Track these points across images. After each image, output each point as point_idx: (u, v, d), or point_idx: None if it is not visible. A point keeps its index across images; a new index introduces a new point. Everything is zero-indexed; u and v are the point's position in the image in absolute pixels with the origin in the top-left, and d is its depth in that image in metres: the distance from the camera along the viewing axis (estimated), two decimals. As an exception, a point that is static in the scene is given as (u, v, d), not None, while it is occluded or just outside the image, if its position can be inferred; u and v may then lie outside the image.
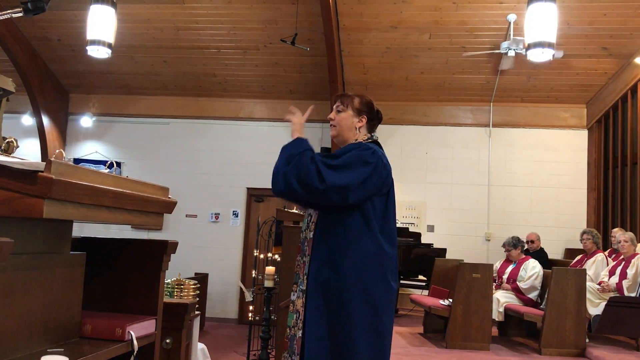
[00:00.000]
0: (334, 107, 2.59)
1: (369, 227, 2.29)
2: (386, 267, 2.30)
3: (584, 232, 6.73)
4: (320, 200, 2.25)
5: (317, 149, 9.07)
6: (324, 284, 2.28)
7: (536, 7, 5.91)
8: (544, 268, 6.65)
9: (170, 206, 2.00)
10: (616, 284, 5.85)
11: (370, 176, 2.28)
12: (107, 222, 1.68)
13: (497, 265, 6.69)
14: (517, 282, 6.30)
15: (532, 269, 6.29)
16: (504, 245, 6.68)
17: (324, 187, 2.20)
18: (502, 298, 6.23)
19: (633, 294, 5.67)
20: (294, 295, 2.43)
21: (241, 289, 6.91)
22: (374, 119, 2.55)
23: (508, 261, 6.62)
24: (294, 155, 2.33)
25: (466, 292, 5.66)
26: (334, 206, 2.27)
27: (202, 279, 7.96)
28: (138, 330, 1.86)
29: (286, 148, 2.40)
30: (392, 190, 2.42)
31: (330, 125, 2.58)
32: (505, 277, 6.53)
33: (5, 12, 1.82)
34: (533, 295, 6.20)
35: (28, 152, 8.99)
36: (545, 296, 5.81)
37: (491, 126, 8.73)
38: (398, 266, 2.54)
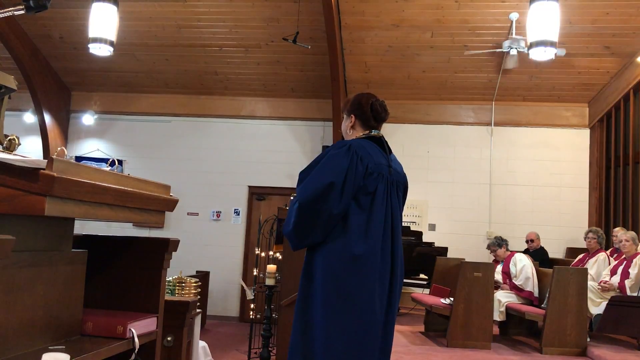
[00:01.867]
0: None
1: (348, 228, 2.29)
2: (364, 268, 2.28)
3: (589, 231, 6.71)
4: (304, 224, 2.27)
5: (318, 147, 9.09)
6: (305, 280, 2.34)
7: (538, 5, 5.90)
8: (544, 267, 6.65)
9: (171, 204, 2.00)
10: (618, 283, 5.84)
11: (346, 177, 2.28)
12: (108, 219, 1.68)
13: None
14: (513, 281, 6.31)
15: (520, 262, 6.33)
16: (488, 247, 6.73)
17: (297, 204, 2.27)
18: (503, 298, 6.23)
19: (635, 294, 5.67)
20: None
21: (242, 287, 6.91)
22: (364, 114, 2.50)
23: (495, 262, 6.65)
24: (290, 203, 2.44)
25: (467, 291, 5.66)
26: (325, 223, 2.27)
27: (203, 277, 7.97)
28: (139, 328, 1.86)
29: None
30: (381, 187, 2.38)
31: None
32: (499, 277, 6.53)
33: (7, 9, 1.82)
34: (530, 286, 6.20)
35: (30, 150, 8.99)
36: (547, 295, 5.81)
37: (493, 125, 8.72)
38: (399, 265, 2.51)
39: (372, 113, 2.51)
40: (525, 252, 7.47)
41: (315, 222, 2.25)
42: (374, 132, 2.52)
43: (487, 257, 8.28)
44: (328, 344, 2.22)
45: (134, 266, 2.03)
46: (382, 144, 2.51)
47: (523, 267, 6.26)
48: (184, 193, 8.56)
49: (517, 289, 6.26)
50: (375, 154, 2.42)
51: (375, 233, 2.32)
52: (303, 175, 2.40)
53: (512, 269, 6.35)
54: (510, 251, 6.66)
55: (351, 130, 2.54)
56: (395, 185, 2.48)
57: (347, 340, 2.23)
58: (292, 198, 2.45)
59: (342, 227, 2.29)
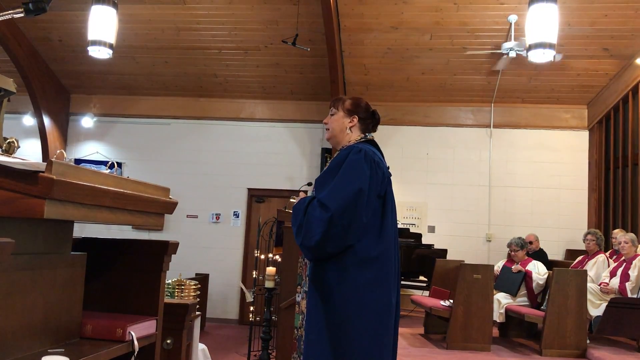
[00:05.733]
0: (329, 111, 2.61)
1: (364, 230, 2.27)
2: (380, 269, 2.27)
3: (588, 233, 6.71)
4: (337, 233, 2.19)
5: (317, 150, 9.09)
6: (318, 283, 2.29)
7: (537, 7, 5.91)
8: (543, 269, 6.65)
9: (171, 207, 2.00)
10: (619, 286, 5.84)
11: (370, 183, 2.27)
12: (108, 222, 1.68)
13: (498, 265, 6.67)
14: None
15: (541, 267, 6.31)
16: (509, 245, 6.61)
17: (329, 213, 2.18)
18: (503, 299, 6.23)
19: (635, 296, 5.67)
20: (298, 296, 2.44)
21: (242, 289, 6.90)
22: (366, 119, 2.54)
23: (511, 262, 6.57)
24: (298, 210, 2.30)
25: (467, 293, 5.66)
26: (356, 230, 2.22)
27: (202, 280, 7.96)
28: (139, 331, 1.86)
29: (294, 210, 2.38)
30: (389, 190, 2.40)
31: (326, 129, 2.61)
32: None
33: (7, 12, 1.82)
34: (540, 296, 6.24)
35: (29, 153, 8.99)
36: (546, 297, 5.81)
37: (492, 127, 8.72)
38: (400, 267, 2.52)
39: (372, 121, 2.56)
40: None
41: (349, 230, 2.20)
42: (369, 136, 2.55)
43: (486, 259, 8.29)
44: (358, 353, 2.20)
45: (133, 269, 2.03)
46: (379, 147, 2.54)
47: (545, 273, 6.22)
48: (183, 195, 8.55)
49: (531, 292, 6.25)
50: (380, 158, 2.45)
51: (388, 235, 2.33)
52: (320, 181, 2.37)
53: (534, 276, 6.32)
54: (527, 256, 6.61)
55: (350, 130, 2.53)
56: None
57: (374, 347, 2.22)
58: (292, 200, 2.40)
59: (362, 232, 2.27)
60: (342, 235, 2.20)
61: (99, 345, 1.73)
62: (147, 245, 2.07)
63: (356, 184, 2.24)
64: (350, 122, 2.52)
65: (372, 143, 2.52)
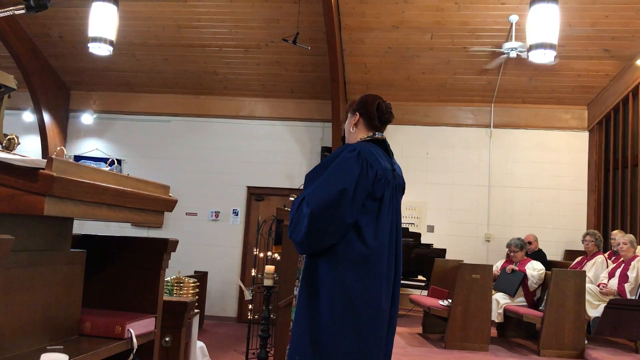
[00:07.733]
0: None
1: (355, 232, 2.24)
2: (370, 270, 2.25)
3: (587, 234, 6.71)
4: (318, 231, 2.19)
5: (317, 148, 9.09)
6: (308, 278, 2.29)
7: (538, 8, 5.91)
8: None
9: (170, 204, 2.00)
10: (617, 287, 5.84)
11: (357, 184, 2.24)
12: (107, 219, 1.68)
13: (497, 265, 6.68)
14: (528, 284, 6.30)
15: (537, 263, 6.30)
16: (509, 246, 6.62)
17: (309, 210, 2.18)
18: (502, 299, 6.23)
19: (634, 297, 5.68)
20: (296, 290, 2.45)
21: (241, 287, 6.91)
22: (370, 114, 2.45)
23: (509, 262, 6.58)
24: (294, 204, 2.31)
25: (465, 293, 5.66)
26: (337, 230, 2.21)
27: (201, 277, 7.97)
28: (137, 328, 1.86)
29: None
30: (387, 192, 2.34)
31: None
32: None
33: (7, 9, 1.82)
34: (537, 295, 6.24)
35: (29, 149, 8.98)
36: (545, 297, 5.81)
37: (492, 127, 8.72)
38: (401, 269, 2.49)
39: (377, 113, 2.45)
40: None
41: (328, 229, 2.19)
42: (377, 135, 2.47)
43: (485, 259, 8.29)
44: (338, 352, 2.20)
45: (132, 266, 2.03)
46: (386, 147, 2.48)
47: (542, 271, 6.23)
48: (182, 193, 8.55)
49: (527, 292, 6.26)
50: (382, 158, 2.38)
51: (382, 237, 2.30)
52: (310, 177, 2.34)
53: (528, 273, 6.33)
54: (527, 257, 6.61)
55: (354, 129, 2.48)
56: (398, 189, 2.47)
57: (357, 347, 2.21)
58: (291, 199, 2.40)
59: (353, 231, 2.25)
60: (322, 233, 2.20)
61: (97, 342, 1.73)
62: (146, 242, 2.07)
63: (340, 183, 2.20)
64: (354, 119, 2.48)
65: (378, 142, 2.45)
